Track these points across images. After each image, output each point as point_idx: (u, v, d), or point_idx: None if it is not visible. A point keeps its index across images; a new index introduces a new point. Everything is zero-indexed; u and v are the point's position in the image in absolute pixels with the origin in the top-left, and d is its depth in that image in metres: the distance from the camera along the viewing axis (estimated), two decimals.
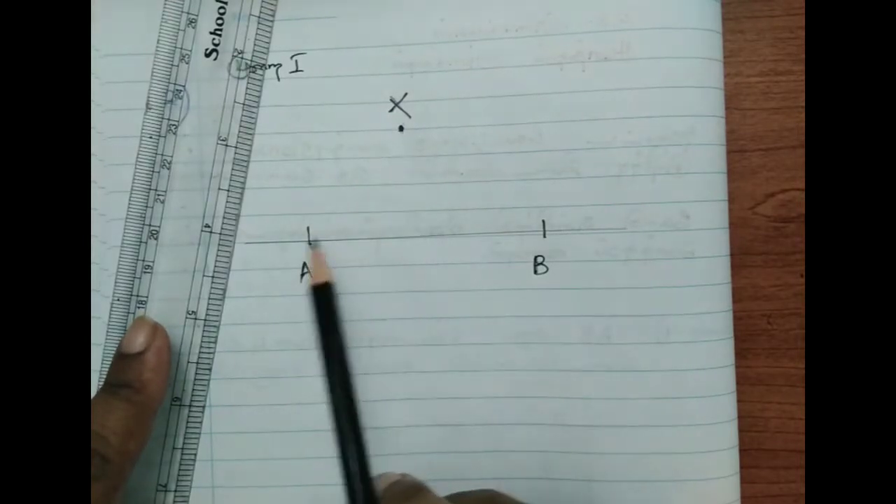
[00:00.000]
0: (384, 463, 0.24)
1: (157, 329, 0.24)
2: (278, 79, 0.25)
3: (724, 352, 0.24)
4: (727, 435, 0.24)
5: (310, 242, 0.24)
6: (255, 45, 0.24)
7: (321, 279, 0.24)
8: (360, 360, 0.24)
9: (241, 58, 0.24)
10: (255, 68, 0.25)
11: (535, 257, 0.24)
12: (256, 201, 0.25)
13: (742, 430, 0.25)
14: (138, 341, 0.23)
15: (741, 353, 0.25)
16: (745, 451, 0.25)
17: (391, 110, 0.25)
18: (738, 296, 0.25)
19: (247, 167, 0.24)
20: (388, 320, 0.25)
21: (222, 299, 0.24)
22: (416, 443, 0.24)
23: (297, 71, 0.25)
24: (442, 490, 0.23)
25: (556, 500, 0.24)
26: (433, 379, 0.24)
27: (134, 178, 0.25)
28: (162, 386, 0.23)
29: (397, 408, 0.24)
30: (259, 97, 0.24)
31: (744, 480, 0.25)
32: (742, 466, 0.24)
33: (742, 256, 0.25)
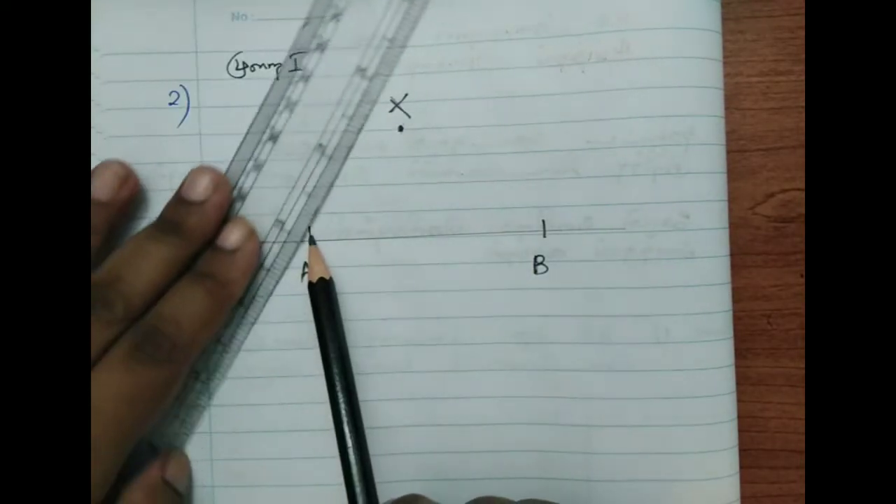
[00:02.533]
0: (384, 463, 0.24)
1: (253, 234, 0.24)
2: (278, 78, 0.25)
3: (724, 352, 0.24)
4: (727, 435, 0.24)
5: (311, 240, 0.25)
6: (398, 28, 0.24)
7: (319, 275, 0.24)
8: (360, 360, 0.24)
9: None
10: (254, 68, 0.25)
11: (535, 257, 0.24)
12: (256, 201, 0.25)
13: (742, 430, 0.25)
14: (233, 238, 0.23)
15: (741, 353, 0.25)
16: (745, 451, 0.25)
17: (391, 110, 0.25)
18: (738, 296, 0.25)
19: (340, 167, 0.24)
20: (387, 320, 0.25)
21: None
22: (415, 443, 0.24)
23: (296, 70, 0.25)
24: (443, 490, 0.24)
25: (555, 499, 0.24)
26: (433, 379, 0.24)
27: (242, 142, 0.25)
28: (242, 288, 0.24)
29: (397, 408, 0.25)
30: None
31: (744, 480, 0.25)
32: (742, 466, 0.24)
33: (742, 256, 0.25)
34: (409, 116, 0.25)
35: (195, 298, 0.22)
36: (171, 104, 0.25)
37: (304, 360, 0.24)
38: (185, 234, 0.23)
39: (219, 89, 0.25)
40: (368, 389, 0.24)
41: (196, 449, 0.25)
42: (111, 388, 0.21)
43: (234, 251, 0.23)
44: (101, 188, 0.23)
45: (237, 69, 0.25)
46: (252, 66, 0.25)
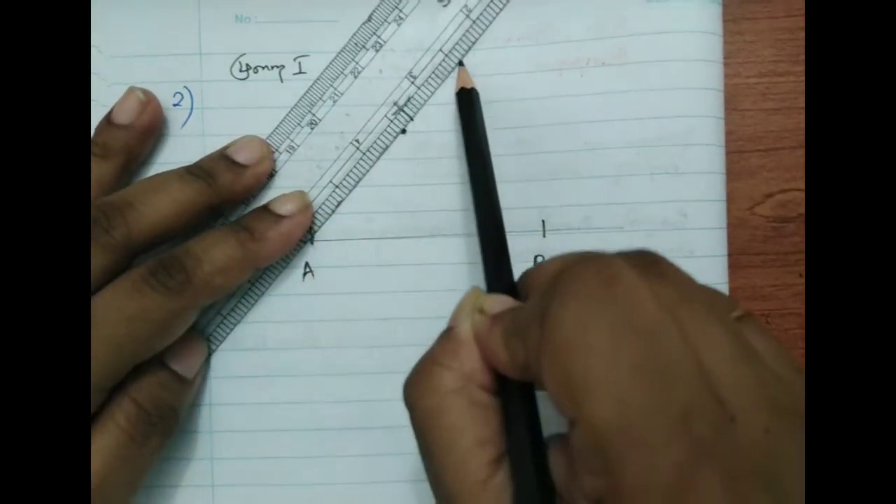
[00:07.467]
0: (383, 463, 0.24)
1: (308, 208, 0.24)
2: (281, 80, 0.25)
3: None
4: None
5: (459, 63, 0.25)
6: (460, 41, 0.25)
7: (466, 85, 0.24)
8: (361, 360, 0.24)
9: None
10: (257, 70, 0.25)
11: (535, 257, 0.24)
12: (258, 202, 0.25)
13: None
14: (287, 207, 0.23)
15: None
16: None
17: (395, 113, 0.25)
18: (736, 296, 0.25)
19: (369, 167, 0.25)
20: (388, 320, 0.25)
21: None
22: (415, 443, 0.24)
23: (300, 73, 0.25)
24: None
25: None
26: None
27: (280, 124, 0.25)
28: (275, 250, 0.23)
29: (398, 408, 0.24)
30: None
31: None
32: None
33: (740, 256, 0.25)
34: (412, 119, 0.25)
35: (224, 243, 0.22)
36: (174, 105, 0.25)
37: (304, 360, 0.24)
38: (215, 185, 0.23)
39: (222, 91, 0.25)
40: (369, 390, 0.24)
41: (196, 449, 0.25)
42: (113, 305, 0.21)
43: (282, 217, 0.23)
44: (121, 112, 0.23)
45: (241, 71, 0.25)
46: (255, 67, 0.25)
